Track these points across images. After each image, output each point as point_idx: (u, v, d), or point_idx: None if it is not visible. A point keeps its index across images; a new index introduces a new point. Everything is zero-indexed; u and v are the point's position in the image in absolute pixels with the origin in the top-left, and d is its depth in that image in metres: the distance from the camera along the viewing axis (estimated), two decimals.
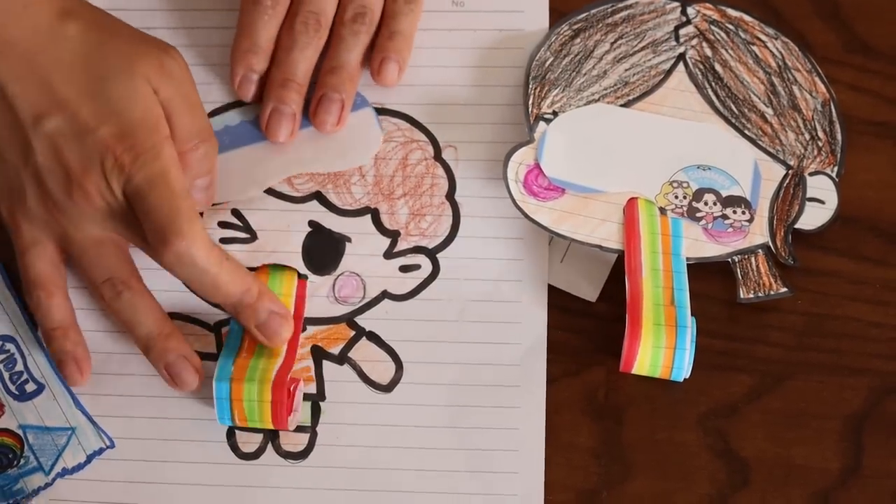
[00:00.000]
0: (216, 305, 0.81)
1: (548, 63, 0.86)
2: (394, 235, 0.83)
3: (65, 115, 0.76)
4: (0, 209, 0.80)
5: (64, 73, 0.76)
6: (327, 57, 0.85)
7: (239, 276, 0.78)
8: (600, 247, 0.81)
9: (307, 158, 0.84)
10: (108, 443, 0.79)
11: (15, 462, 0.79)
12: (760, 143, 0.84)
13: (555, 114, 0.85)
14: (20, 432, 0.79)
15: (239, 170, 0.84)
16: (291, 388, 0.78)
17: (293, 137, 0.84)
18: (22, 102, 0.76)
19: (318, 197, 0.84)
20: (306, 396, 0.80)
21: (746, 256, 0.81)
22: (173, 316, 0.82)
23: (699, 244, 0.82)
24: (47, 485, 0.79)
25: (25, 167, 0.77)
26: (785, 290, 0.81)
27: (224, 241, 0.83)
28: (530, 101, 0.85)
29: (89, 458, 0.79)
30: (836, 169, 0.84)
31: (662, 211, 0.82)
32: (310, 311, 0.82)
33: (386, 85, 0.86)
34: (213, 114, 0.85)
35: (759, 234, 0.82)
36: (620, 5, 0.87)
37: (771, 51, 0.86)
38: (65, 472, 0.79)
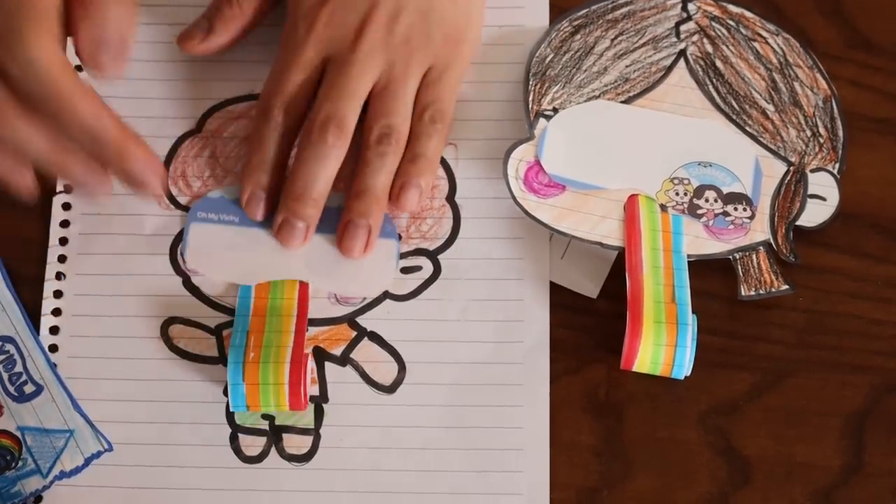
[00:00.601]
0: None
1: (548, 59, 0.85)
2: None
3: None
4: None
5: None
6: (354, 180, 0.81)
7: (95, 104, 0.73)
8: (601, 244, 0.81)
9: (318, 271, 0.82)
10: (106, 446, 0.79)
11: (13, 464, 0.79)
12: (762, 139, 0.84)
13: (555, 110, 0.84)
14: (18, 434, 0.79)
15: (252, 251, 0.83)
16: (304, 368, 0.79)
17: (304, 244, 0.82)
18: None
19: None
20: (309, 399, 0.80)
21: (747, 253, 0.81)
22: (173, 320, 0.82)
23: (700, 241, 0.82)
24: (45, 488, 0.78)
25: None
26: (786, 287, 0.81)
27: None
28: (530, 98, 0.85)
29: (87, 462, 0.79)
30: (837, 166, 0.84)
31: (663, 208, 0.82)
32: (311, 312, 0.81)
33: (405, 211, 0.83)
34: None
35: (760, 231, 0.82)
36: (621, 1, 0.87)
37: (772, 47, 0.86)
38: (63, 476, 0.79)
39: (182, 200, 0.84)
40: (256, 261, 0.82)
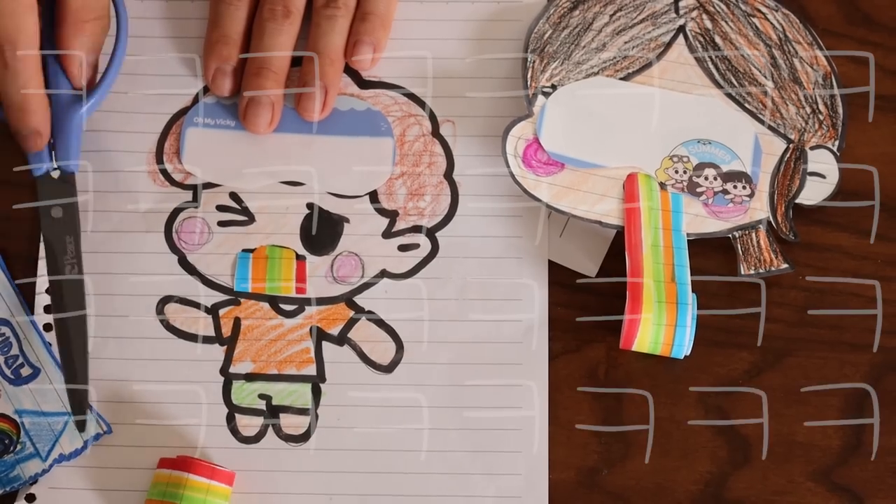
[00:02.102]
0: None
1: (546, 36, 0.85)
2: (392, 215, 0.82)
3: None
4: None
5: None
6: (306, 45, 0.84)
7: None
8: (600, 222, 0.81)
9: (313, 171, 0.83)
10: (105, 428, 0.79)
11: (11, 448, 0.78)
12: (761, 116, 0.83)
13: (554, 87, 0.84)
14: (16, 417, 0.79)
15: (247, 153, 0.84)
16: None
17: (272, 127, 0.83)
18: None
19: None
20: (306, 378, 0.80)
21: (747, 232, 0.81)
22: (169, 299, 0.81)
23: (700, 220, 0.81)
24: (44, 471, 0.78)
25: None
26: (786, 265, 0.81)
27: (222, 224, 0.82)
28: (529, 75, 0.84)
29: (86, 444, 0.78)
30: (837, 143, 0.83)
31: (662, 186, 0.82)
32: (309, 291, 0.81)
33: (360, 69, 0.85)
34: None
35: (759, 209, 0.81)
36: None
37: (771, 23, 0.85)
38: (62, 459, 0.78)
39: (177, 178, 0.83)
40: (253, 163, 0.83)
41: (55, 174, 0.82)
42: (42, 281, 0.81)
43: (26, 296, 0.81)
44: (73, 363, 0.78)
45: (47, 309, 0.81)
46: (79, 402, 0.78)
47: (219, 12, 0.84)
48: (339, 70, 0.84)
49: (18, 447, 0.78)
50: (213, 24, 0.85)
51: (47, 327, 0.80)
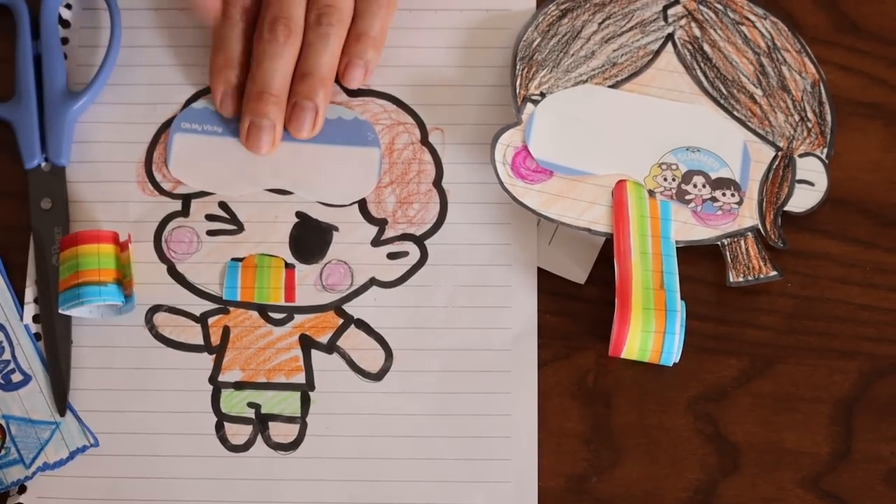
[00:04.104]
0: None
1: (535, 43, 0.85)
2: (381, 224, 0.82)
3: None
4: None
5: None
6: (298, 63, 0.83)
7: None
8: (589, 230, 0.81)
9: (300, 180, 0.83)
10: (92, 441, 0.79)
11: None
12: (750, 124, 0.83)
13: (542, 95, 0.84)
14: (3, 422, 0.79)
15: (234, 161, 0.84)
16: None
17: (275, 148, 0.83)
18: None
19: None
20: (296, 387, 0.80)
21: (736, 239, 0.81)
22: (158, 308, 0.81)
23: (688, 227, 0.81)
24: (27, 478, 0.78)
25: None
26: (775, 273, 0.81)
27: (211, 233, 0.82)
28: (518, 83, 0.84)
29: (72, 455, 0.79)
30: (825, 150, 0.83)
31: (651, 193, 0.82)
32: (297, 299, 0.81)
33: (351, 87, 0.85)
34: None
35: (748, 216, 0.81)
36: None
37: (760, 31, 0.85)
38: (46, 467, 0.78)
39: (165, 187, 0.83)
40: (240, 171, 0.83)
41: (46, 167, 0.83)
42: (31, 291, 0.81)
43: (22, 305, 0.82)
44: (56, 349, 0.80)
45: (36, 318, 0.81)
46: (60, 387, 0.79)
47: (223, 35, 0.84)
48: (329, 89, 0.84)
49: (3, 452, 0.78)
50: (217, 47, 0.84)
51: (36, 336, 0.80)
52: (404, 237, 0.83)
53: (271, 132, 0.82)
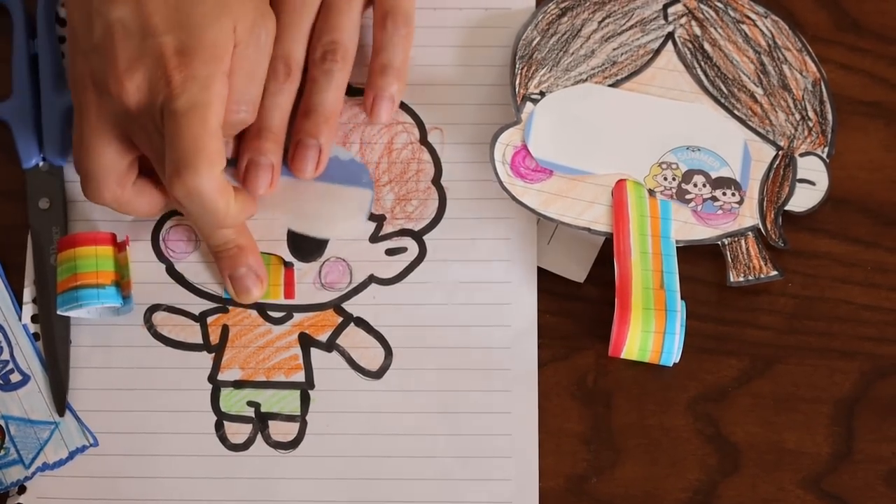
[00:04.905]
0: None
1: (535, 42, 0.85)
2: (379, 220, 0.82)
3: (136, 9, 0.73)
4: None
5: None
6: (302, 100, 0.82)
7: (234, 229, 0.78)
8: (588, 229, 0.81)
9: (291, 212, 0.82)
10: (91, 441, 0.79)
11: None
12: (750, 123, 0.83)
13: (542, 94, 0.84)
14: (2, 423, 0.79)
15: None
16: None
17: (273, 188, 0.81)
18: None
19: None
20: (295, 385, 0.80)
21: (736, 239, 0.81)
22: (157, 307, 0.81)
23: (689, 227, 0.81)
24: (26, 478, 0.78)
25: (83, 41, 0.75)
26: (775, 273, 0.81)
27: None
28: (517, 82, 0.84)
29: (71, 455, 0.79)
30: (826, 150, 0.83)
31: (651, 193, 0.82)
32: (297, 297, 0.81)
33: (380, 122, 0.84)
34: None
35: (749, 216, 0.81)
36: None
37: (761, 29, 0.85)
38: (45, 468, 0.78)
39: None
40: None
41: (44, 167, 0.83)
42: (30, 291, 0.81)
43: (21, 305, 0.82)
44: (55, 349, 0.80)
45: (35, 318, 0.81)
46: (59, 387, 0.79)
47: None
48: (334, 127, 0.82)
49: (2, 453, 0.78)
50: None
51: (35, 336, 0.80)
52: (403, 232, 0.82)
53: (269, 171, 0.80)
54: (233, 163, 0.81)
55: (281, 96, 0.80)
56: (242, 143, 0.81)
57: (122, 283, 0.79)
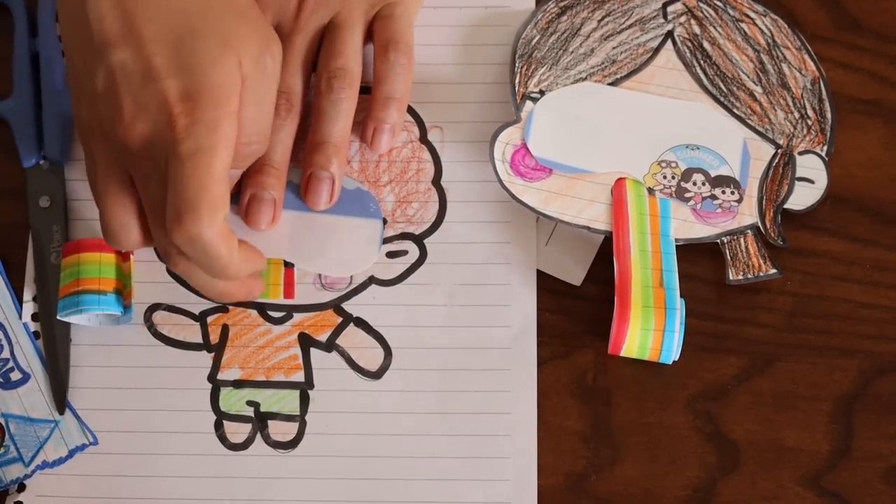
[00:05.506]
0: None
1: (534, 41, 0.85)
2: None
3: (136, 51, 0.71)
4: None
5: (153, 11, 0.72)
6: (311, 131, 0.81)
7: (240, 280, 0.76)
8: (588, 228, 0.81)
9: (300, 251, 0.80)
10: (91, 440, 0.79)
11: None
12: (749, 121, 0.83)
13: (542, 93, 0.84)
14: (2, 421, 0.79)
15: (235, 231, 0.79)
16: None
17: (275, 223, 0.79)
18: (97, 24, 0.71)
19: None
20: (295, 385, 0.80)
21: (735, 237, 0.81)
22: (157, 306, 0.81)
23: (688, 225, 0.81)
24: (26, 476, 0.78)
25: (86, 87, 0.73)
26: (774, 271, 0.81)
27: None
28: (517, 80, 0.84)
29: (71, 454, 0.79)
30: (825, 148, 0.83)
31: (651, 191, 0.82)
32: (296, 297, 0.81)
33: (379, 152, 0.83)
34: None
35: (748, 214, 0.81)
36: None
37: (760, 28, 0.85)
38: (45, 466, 0.78)
39: None
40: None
41: (44, 165, 0.83)
42: (30, 289, 0.81)
43: (21, 304, 0.82)
44: (55, 347, 0.80)
45: (35, 317, 0.81)
46: (59, 385, 0.80)
47: None
48: (344, 157, 0.81)
49: (2, 451, 0.78)
50: None
51: (35, 335, 0.81)
52: (403, 236, 0.82)
53: (271, 206, 0.79)
54: (234, 199, 0.79)
55: (283, 132, 0.79)
56: (244, 178, 0.79)
57: (123, 293, 0.80)
